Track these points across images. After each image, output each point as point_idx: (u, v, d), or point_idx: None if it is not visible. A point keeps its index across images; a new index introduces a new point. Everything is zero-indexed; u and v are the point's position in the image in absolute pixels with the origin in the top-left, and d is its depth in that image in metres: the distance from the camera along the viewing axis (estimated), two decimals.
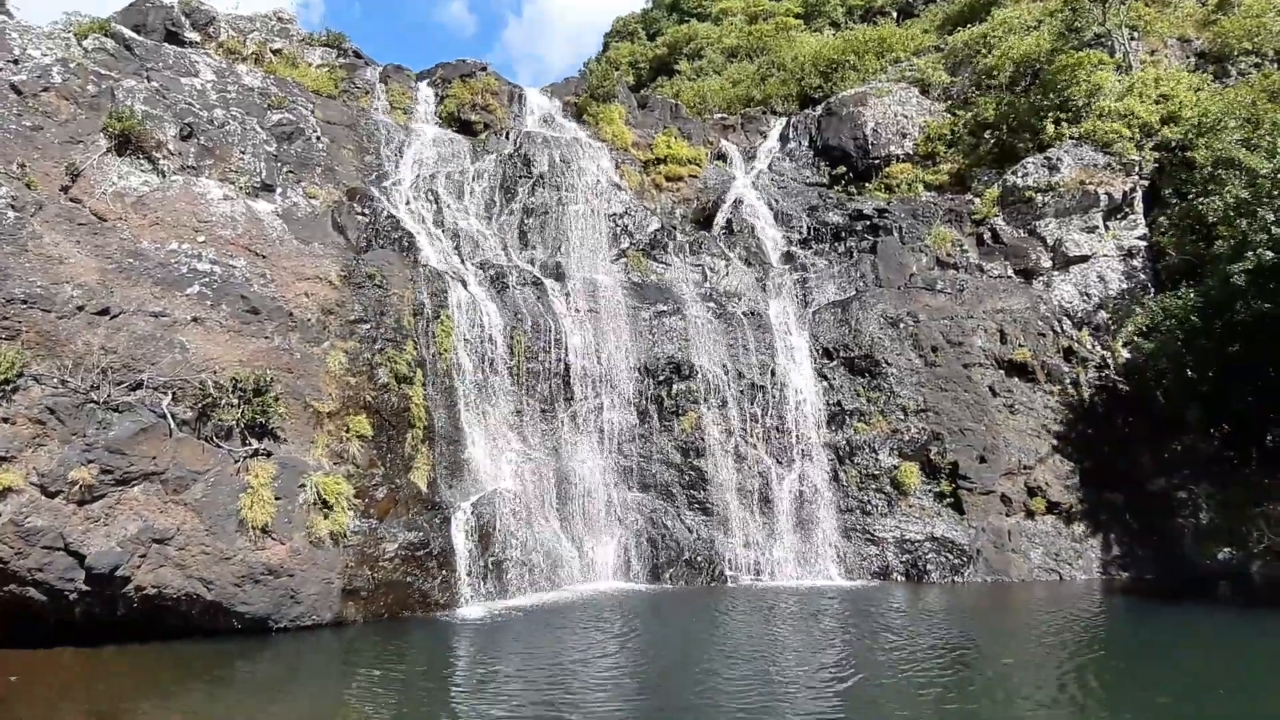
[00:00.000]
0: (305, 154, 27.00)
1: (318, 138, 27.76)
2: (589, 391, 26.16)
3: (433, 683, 15.22)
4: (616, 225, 30.70)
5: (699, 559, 24.87)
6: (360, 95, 32.77)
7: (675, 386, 26.56)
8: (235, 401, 19.28)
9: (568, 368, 26.01)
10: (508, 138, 32.46)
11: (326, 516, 19.55)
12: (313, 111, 28.43)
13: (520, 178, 30.60)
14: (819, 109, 37.25)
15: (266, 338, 21.04)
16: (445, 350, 24.10)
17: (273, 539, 18.69)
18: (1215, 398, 25.52)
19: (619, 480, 25.73)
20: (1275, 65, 32.51)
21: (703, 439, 25.92)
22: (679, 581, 24.63)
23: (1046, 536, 25.89)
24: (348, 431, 21.08)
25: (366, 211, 26.80)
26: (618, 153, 34.41)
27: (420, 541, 20.87)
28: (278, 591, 18.50)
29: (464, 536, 21.76)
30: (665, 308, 28.10)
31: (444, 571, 21.12)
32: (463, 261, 27.60)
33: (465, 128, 33.52)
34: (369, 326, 22.70)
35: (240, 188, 24.01)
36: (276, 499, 18.97)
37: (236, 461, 18.94)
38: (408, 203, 28.85)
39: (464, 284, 25.87)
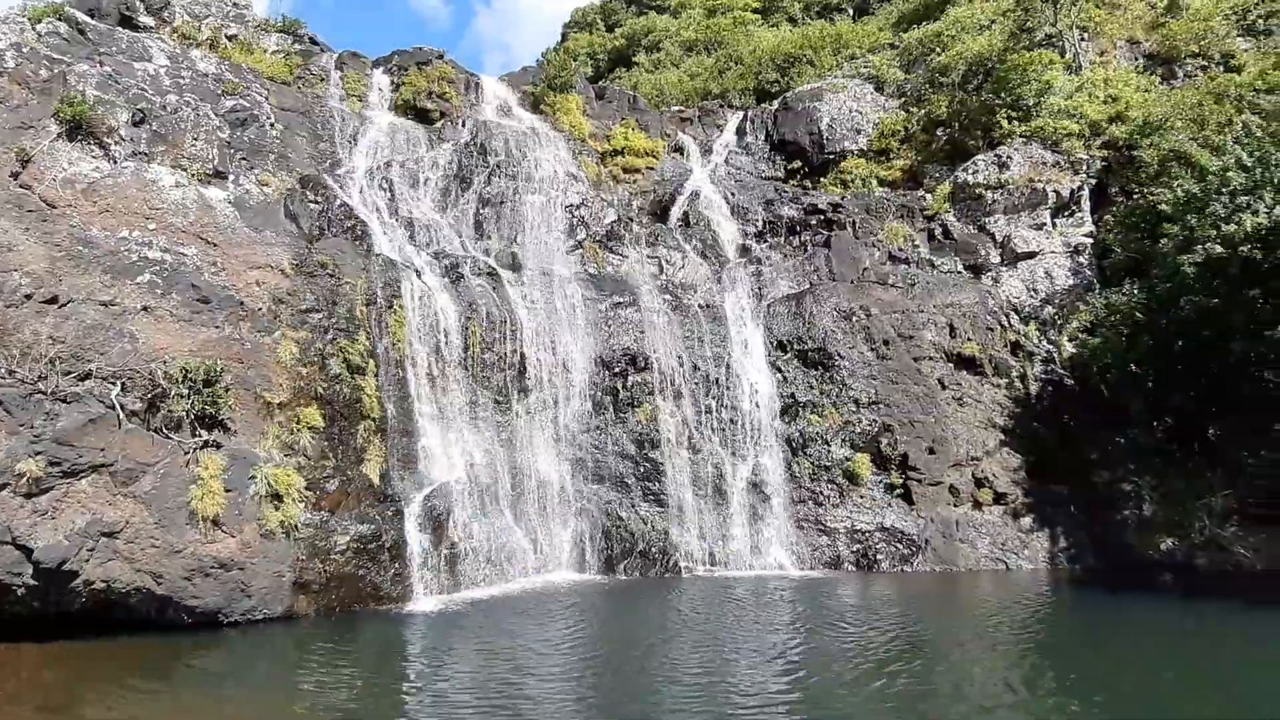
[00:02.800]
0: (259, 141, 26.57)
1: (271, 125, 27.31)
2: (544, 383, 26.11)
3: (385, 677, 15.14)
4: (573, 216, 30.64)
5: (653, 550, 24.99)
6: (315, 82, 32.28)
7: (631, 378, 26.63)
8: (185, 392, 18.98)
9: (523, 359, 25.92)
10: (464, 126, 32.21)
11: (277, 509, 19.31)
12: (267, 98, 27.96)
13: (476, 167, 30.38)
14: (775, 104, 37.49)
15: (217, 327, 20.71)
16: (398, 341, 23.89)
17: (223, 532, 18.43)
18: (1158, 392, 26.26)
19: (574, 472, 25.74)
20: (1221, 68, 33.37)
21: (658, 431, 26.03)
22: (633, 573, 24.73)
23: (993, 527, 26.42)
24: (299, 423, 20.83)
25: (320, 200, 26.44)
26: (575, 143, 34.32)
27: (372, 534, 20.70)
28: (228, 585, 18.26)
29: (417, 529, 21.63)
30: (621, 299, 28.13)
31: (396, 564, 20.98)
32: (417, 251, 27.34)
33: (421, 116, 33.19)
34: (321, 316, 22.43)
35: (192, 175, 23.55)
36: (226, 491, 18.70)
37: (186, 453, 18.64)
38: (361, 191, 28.53)
39: (418, 274, 25.64)
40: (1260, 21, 34.73)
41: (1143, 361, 25.88)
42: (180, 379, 19.02)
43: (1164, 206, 26.25)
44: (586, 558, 24.95)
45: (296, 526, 19.50)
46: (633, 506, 25.43)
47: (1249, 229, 22.74)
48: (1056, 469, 27.04)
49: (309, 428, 20.91)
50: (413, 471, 22.99)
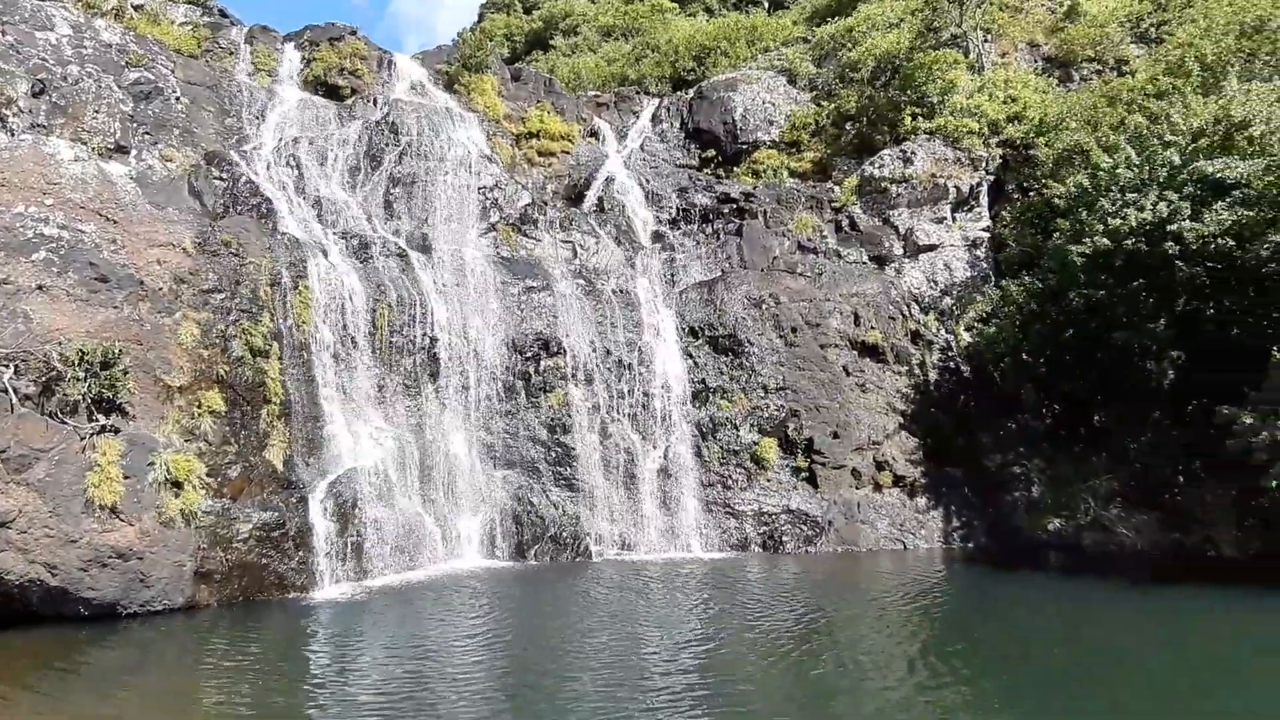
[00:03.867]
0: (163, 115, 25.71)
1: (177, 98, 26.45)
2: (455, 367, 25.95)
3: (289, 667, 14.96)
4: (486, 198, 30.45)
5: (564, 535, 25.15)
6: (224, 55, 31.37)
7: (543, 363, 26.68)
8: (82, 375, 18.31)
9: (433, 342, 25.71)
10: (376, 104, 31.71)
11: (177, 496, 18.85)
12: (173, 71, 27.06)
13: (387, 146, 29.91)
14: (691, 92, 37.83)
15: (116, 307, 20.00)
16: (304, 323, 23.47)
17: (121, 520, 17.90)
18: (1048, 379, 27.52)
19: (484, 457, 25.69)
20: (1115, 72, 35.00)
21: (570, 416, 26.17)
22: (544, 558, 24.85)
23: (892, 508, 27.42)
24: (200, 407, 20.31)
25: (225, 176, 25.75)
26: (489, 124, 34.07)
27: (276, 521, 20.36)
28: (127, 575, 17.77)
29: (322, 516, 21.34)
30: (534, 284, 28.11)
31: (301, 552, 20.69)
32: (324, 231, 26.84)
33: (332, 92, 32.52)
34: (224, 297, 21.86)
35: (93, 149, 22.67)
36: (125, 478, 18.17)
37: (82, 439, 18.02)
38: (268, 168, 27.87)
39: (325, 254, 25.19)
40: (1152, 29, 36.58)
41: (1034, 351, 27.11)
42: (77, 361, 18.35)
43: (1057, 201, 27.51)
44: (497, 543, 24.94)
45: (197, 514, 19.08)
46: (544, 491, 25.54)
47: (1134, 224, 24.01)
48: (952, 453, 28.23)
49: (210, 412, 20.41)
50: (318, 457, 22.64)
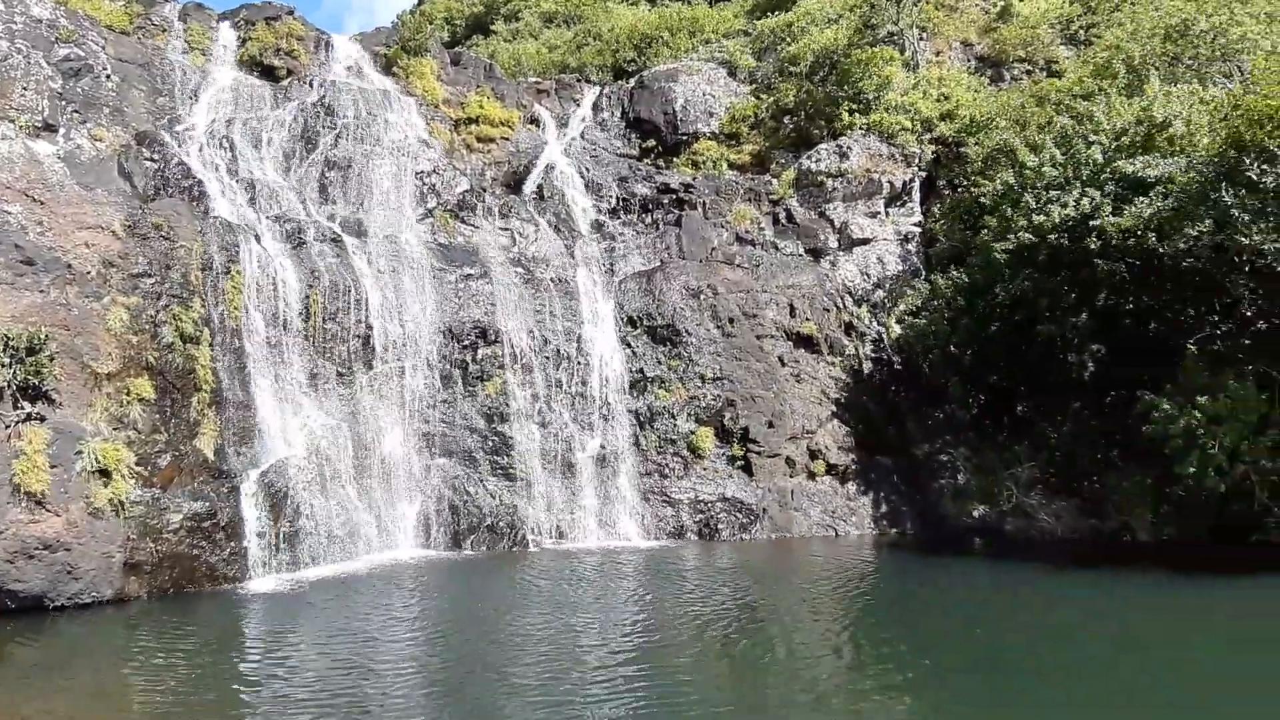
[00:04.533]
0: (93, 93, 25.00)
1: (108, 76, 25.71)
2: (390, 355, 25.70)
3: (221, 661, 14.75)
4: (424, 184, 30.20)
5: (501, 524, 25.16)
6: (157, 33, 30.52)
7: (481, 351, 26.58)
8: (7, 361, 17.78)
9: (368, 330, 25.43)
10: (312, 86, 31.15)
11: (106, 485, 18.44)
12: (104, 48, 26.29)
13: (323, 128, 29.48)
14: (632, 81, 37.87)
15: (42, 291, 19.38)
16: (235, 309, 23.06)
17: (48, 510, 17.45)
18: (974, 371, 28.37)
19: (420, 446, 25.52)
20: (1044, 73, 36.00)
21: (507, 404, 26.14)
22: (481, 548, 24.83)
23: (825, 496, 28.04)
24: (129, 394, 19.84)
25: (156, 157, 25.17)
26: (428, 109, 33.73)
27: (207, 511, 20.04)
28: (54, 567, 17.35)
29: (254, 506, 21.05)
30: (472, 271, 27.94)
31: (232, 543, 20.40)
32: (257, 214, 26.36)
33: (267, 73, 31.90)
34: (154, 281, 21.36)
35: (20, 127, 21.95)
36: (51, 467, 17.71)
37: (7, 426, 17.52)
38: (201, 150, 27.29)
39: (258, 238, 24.75)
40: (1081, 32, 37.71)
41: (961, 343, 27.92)
42: (1, 347, 17.80)
43: (984, 199, 28.28)
44: (433, 533, 24.84)
45: (126, 504, 18.67)
46: (481, 481, 25.49)
47: (1057, 220, 24.84)
48: (883, 441, 28.98)
49: (140, 400, 19.96)
50: (249, 446, 22.28)
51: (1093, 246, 23.97)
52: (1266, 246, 21.06)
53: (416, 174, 30.16)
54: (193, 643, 15.84)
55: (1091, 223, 24.04)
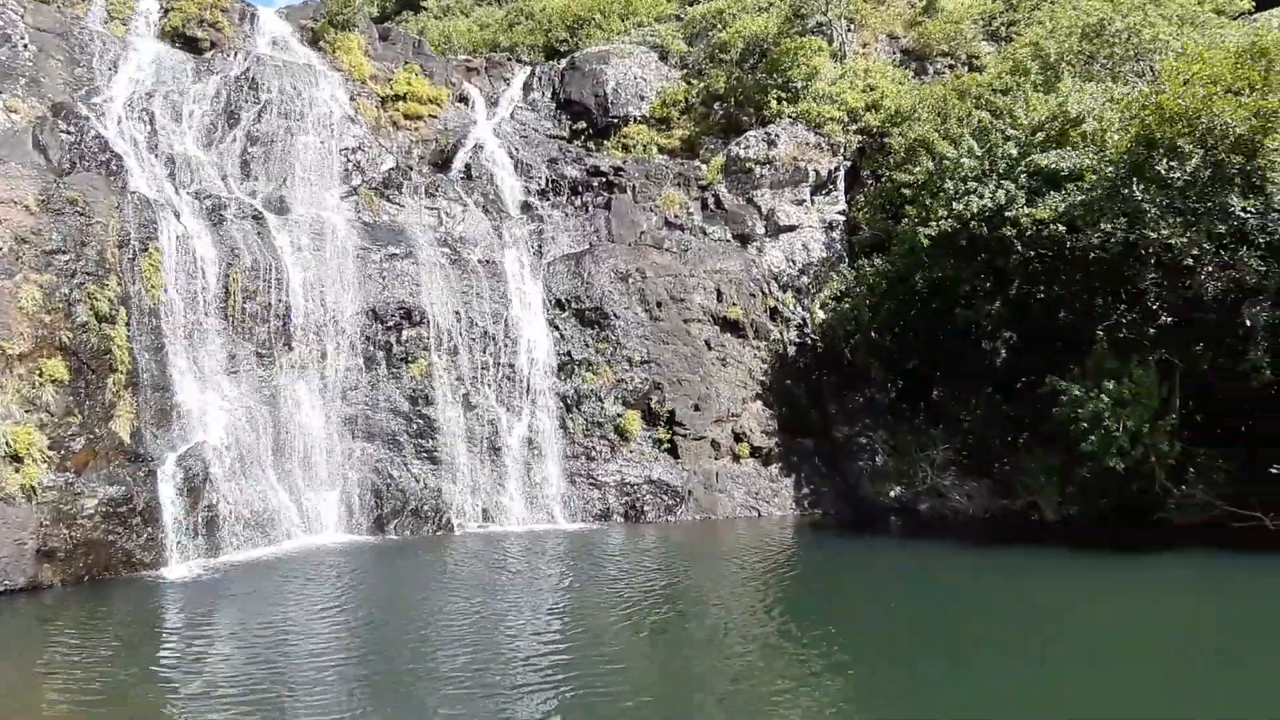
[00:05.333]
0: (9, 63, 24.06)
1: (25, 45, 24.73)
2: (311, 336, 25.28)
3: (136, 651, 14.44)
4: (348, 161, 29.71)
5: (425, 508, 25.03)
6: (76, 1, 29.42)
7: (405, 333, 26.30)
8: None
9: (289, 310, 24.97)
10: (236, 59, 30.35)
11: (17, 470, 17.94)
12: (22, 16, 25.33)
13: (246, 103, 28.78)
14: (564, 62, 37.63)
15: None
16: (153, 287, 22.44)
17: None
18: (894, 356, 29.19)
19: (342, 429, 25.16)
20: (966, 67, 36.88)
21: (432, 387, 25.95)
22: (404, 532, 24.69)
23: (748, 478, 28.55)
24: (41, 375, 19.24)
25: (72, 130, 24.29)
26: (354, 85, 33.12)
27: (123, 497, 19.59)
28: None
29: (171, 491, 20.63)
30: (397, 250, 27.57)
31: (150, 529, 19.97)
32: (177, 190, 25.65)
33: (190, 45, 30.97)
34: (68, 258, 20.64)
35: None
36: None
37: None
38: (120, 123, 26.43)
39: (177, 215, 24.09)
40: (1003, 29, 38.66)
41: (882, 329, 28.65)
42: None
43: (906, 189, 28.98)
44: (355, 518, 24.59)
45: (39, 490, 18.21)
46: (404, 464, 25.29)
47: (975, 209, 25.61)
48: (805, 424, 29.62)
49: (52, 381, 19.37)
50: (167, 429, 21.78)
51: (1008, 236, 24.78)
52: (1174, 241, 22.00)
53: (341, 151, 29.65)
54: (109, 633, 15.52)
55: (1007, 213, 24.85)
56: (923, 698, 12.26)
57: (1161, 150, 22.64)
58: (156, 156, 26.34)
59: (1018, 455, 26.99)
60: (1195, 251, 21.90)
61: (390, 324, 26.33)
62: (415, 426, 25.62)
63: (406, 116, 33.95)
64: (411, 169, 31.16)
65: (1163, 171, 22.41)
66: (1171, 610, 17.49)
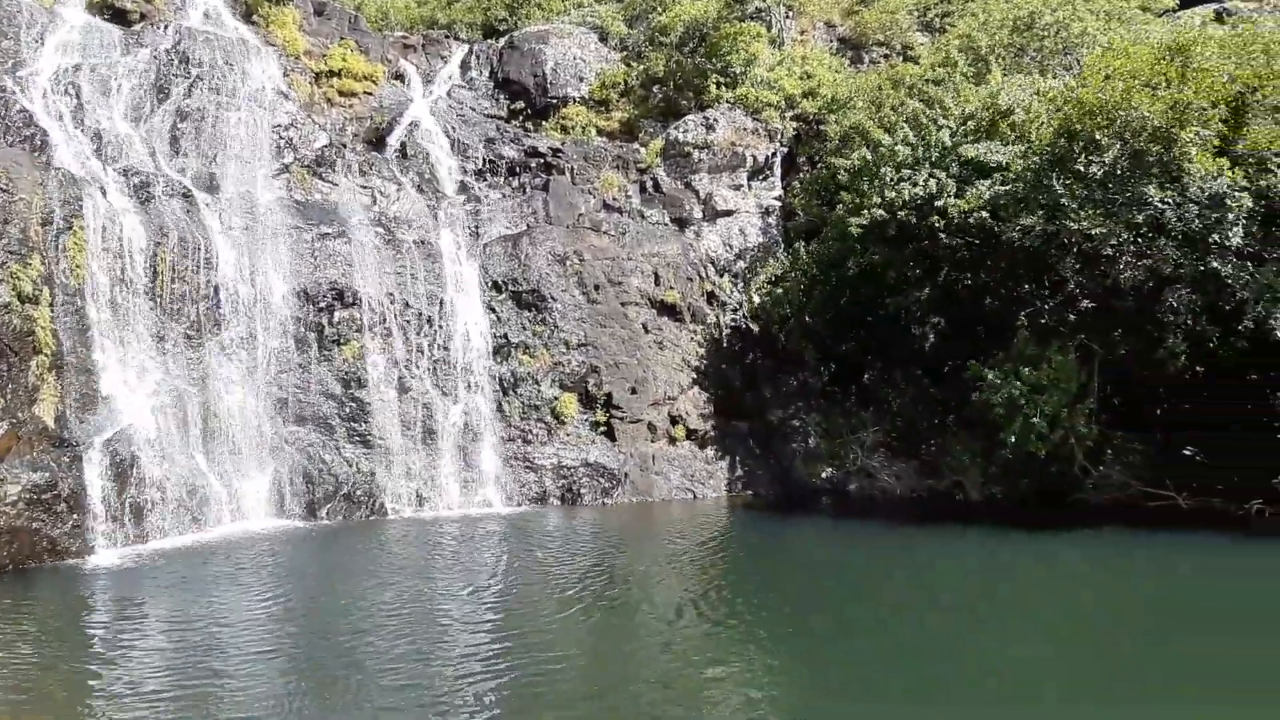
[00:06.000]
0: None
1: None
2: (241, 317, 24.87)
3: (61, 643, 14.26)
4: (280, 138, 29.11)
5: (359, 493, 24.85)
6: None
7: (337, 314, 25.96)
8: None
9: (218, 290, 24.52)
10: (166, 31, 29.48)
11: None
12: None
13: (176, 77, 28.06)
14: (502, 41, 37.26)
15: None
16: (78, 267, 21.87)
17: None
18: (827, 340, 29.69)
19: (273, 413, 24.83)
20: (901, 57, 37.43)
21: (365, 370, 25.70)
22: (337, 516, 24.48)
23: (684, 460, 28.90)
24: None
25: None
26: (288, 60, 32.38)
27: (47, 483, 19.22)
28: None
29: (98, 476, 20.26)
30: (329, 230, 27.16)
31: (76, 515, 19.61)
32: (104, 167, 24.99)
33: (119, 17, 30.00)
34: None
35: None
36: None
37: None
38: (45, 96, 25.60)
39: (103, 192, 23.50)
40: (937, 20, 39.31)
41: (815, 314, 29.12)
42: None
43: (841, 176, 29.43)
44: (287, 503, 24.32)
45: None
46: (337, 448, 25.05)
47: (906, 197, 26.15)
48: (740, 407, 30.08)
49: None
50: (93, 413, 21.30)
51: (937, 225, 25.37)
52: (1092, 231, 22.74)
53: (273, 127, 29.04)
54: (33, 623, 15.25)
55: (936, 203, 25.43)
56: (856, 673, 12.70)
57: (1081, 143, 23.32)
58: (83, 132, 25.65)
59: (944, 437, 27.77)
60: (1114, 241, 22.63)
61: (322, 305, 25.98)
62: (348, 410, 25.37)
63: (341, 93, 33.36)
64: (345, 147, 30.65)
65: (1082, 164, 23.10)
66: (1088, 583, 18.48)
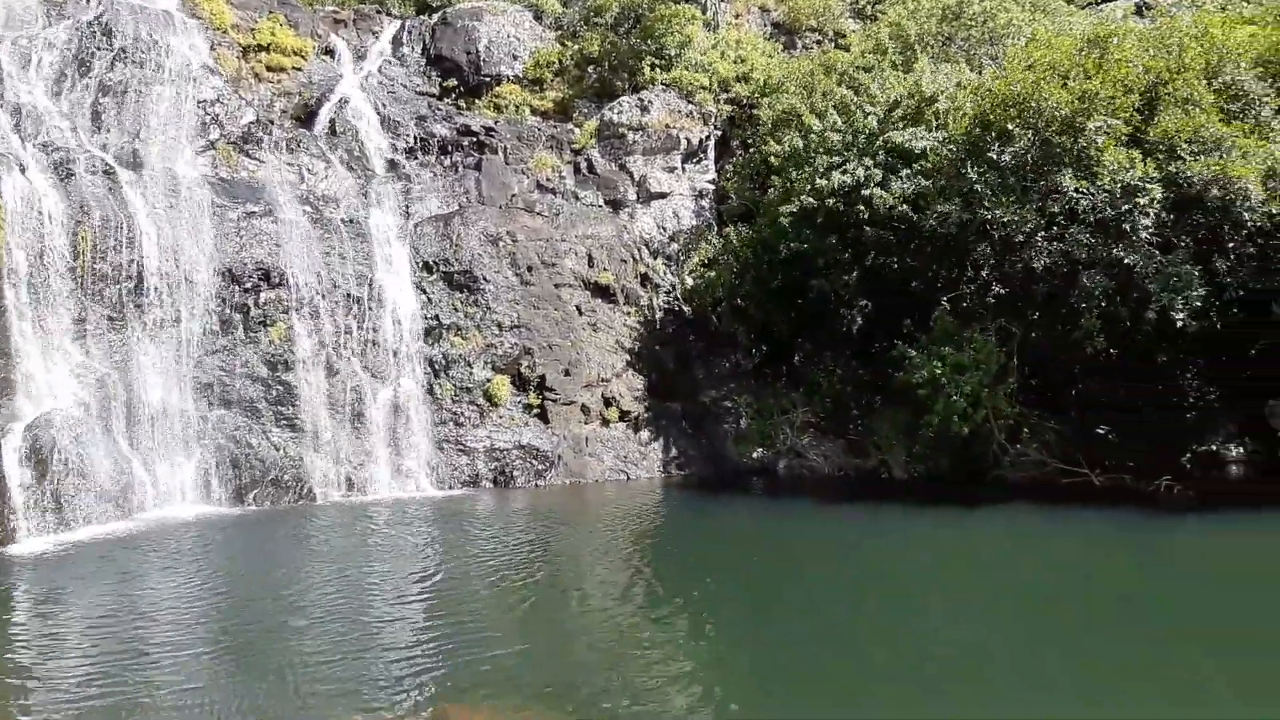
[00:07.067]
0: None
1: None
2: (165, 298, 24.36)
3: None
4: (206, 113, 28.46)
5: (286, 478, 24.56)
6: None
7: (264, 295, 25.56)
8: None
9: (142, 270, 23.98)
10: (89, 3, 28.58)
11: None
12: None
13: (99, 50, 27.29)
14: (435, 17, 36.78)
15: None
16: None
17: None
18: (758, 322, 30.15)
19: (198, 397, 24.40)
20: (833, 44, 37.87)
21: (293, 352, 25.33)
22: (265, 502, 24.18)
23: (618, 442, 29.17)
24: None
25: None
26: (214, 34, 31.58)
27: None
28: None
29: (17, 464, 19.80)
30: (256, 209, 26.67)
31: None
32: (22, 142, 24.24)
33: None
34: None
35: None
36: None
37: None
38: None
39: (22, 168, 22.87)
40: (869, 7, 39.80)
41: (747, 296, 29.52)
42: None
43: (773, 160, 29.80)
44: (213, 488, 23.96)
45: None
46: (264, 433, 24.74)
47: (835, 185, 26.62)
48: (673, 389, 30.42)
49: None
50: (11, 398, 20.84)
51: (863, 214, 25.92)
52: (1005, 219, 23.41)
53: (199, 103, 28.36)
54: None
55: (863, 192, 25.96)
56: (795, 656, 12.88)
57: (995, 133, 23.96)
58: (2, 107, 24.90)
59: (871, 417, 28.52)
60: (1027, 229, 23.32)
61: (248, 285, 25.55)
62: (275, 393, 25.03)
63: (269, 68, 32.69)
64: (273, 123, 30.09)
65: (995, 153, 23.72)
66: (1009, 559, 19.07)
